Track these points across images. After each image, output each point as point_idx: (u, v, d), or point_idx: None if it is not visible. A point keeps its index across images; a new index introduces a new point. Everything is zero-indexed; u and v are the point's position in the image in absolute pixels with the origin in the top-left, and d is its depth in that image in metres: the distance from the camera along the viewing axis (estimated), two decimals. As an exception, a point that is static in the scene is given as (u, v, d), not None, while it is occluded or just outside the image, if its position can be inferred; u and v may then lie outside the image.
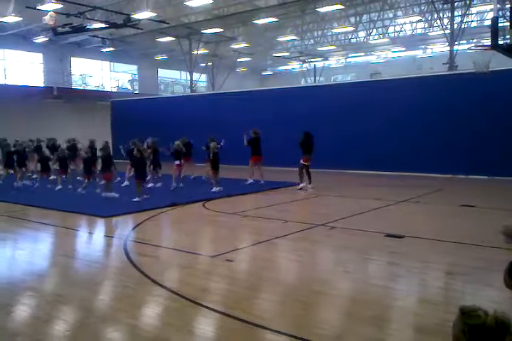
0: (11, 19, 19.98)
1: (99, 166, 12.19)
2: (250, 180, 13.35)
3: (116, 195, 11.13)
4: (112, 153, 12.38)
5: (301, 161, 12.44)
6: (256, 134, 13.38)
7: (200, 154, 13.86)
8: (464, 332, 1.53)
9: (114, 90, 31.53)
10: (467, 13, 21.95)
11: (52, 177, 13.79)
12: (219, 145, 12.39)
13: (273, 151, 14.46)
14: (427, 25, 28.41)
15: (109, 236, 8.00)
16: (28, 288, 5.03)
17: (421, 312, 4.23)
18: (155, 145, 12.87)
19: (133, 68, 33.34)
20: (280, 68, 42.00)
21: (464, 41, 25.34)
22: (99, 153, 12.75)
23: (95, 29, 20.41)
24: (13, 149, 14.23)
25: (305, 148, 12.40)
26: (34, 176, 14.75)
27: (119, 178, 13.44)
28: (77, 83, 30.24)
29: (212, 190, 11.92)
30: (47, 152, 15.51)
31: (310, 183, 12.51)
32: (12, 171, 13.98)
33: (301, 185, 12.54)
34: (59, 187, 12.62)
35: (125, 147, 13.07)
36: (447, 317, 3.48)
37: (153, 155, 12.72)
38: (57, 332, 3.95)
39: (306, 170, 12.53)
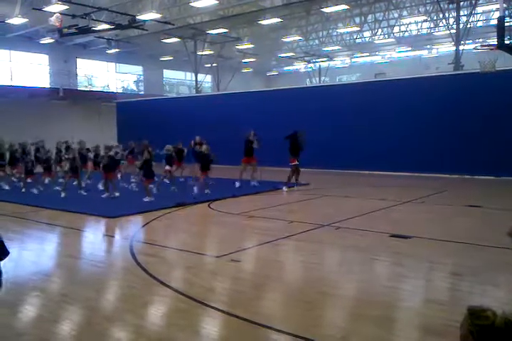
0: (17, 21, 20.10)
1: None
2: (252, 182, 13.39)
3: (117, 194, 11.38)
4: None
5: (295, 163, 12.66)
6: (247, 136, 13.47)
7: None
8: (472, 332, 1.52)
9: (120, 91, 31.62)
10: (473, 12, 21.84)
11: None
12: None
13: (280, 151, 14.46)
14: (432, 25, 28.32)
15: (114, 236, 8.02)
16: (35, 287, 5.05)
17: (427, 312, 4.21)
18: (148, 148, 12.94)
19: (138, 69, 33.42)
20: (285, 69, 41.99)
21: (470, 41, 25.23)
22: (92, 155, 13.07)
23: (101, 30, 20.43)
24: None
25: (291, 149, 12.64)
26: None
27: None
28: (82, 84, 30.36)
29: (194, 192, 11.75)
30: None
31: (286, 184, 12.66)
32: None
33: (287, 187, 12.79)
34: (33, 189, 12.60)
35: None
36: (454, 317, 3.45)
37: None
38: (63, 331, 3.96)
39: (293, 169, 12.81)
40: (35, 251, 6.94)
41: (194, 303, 4.42)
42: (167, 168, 12.50)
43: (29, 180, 12.96)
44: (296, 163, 12.70)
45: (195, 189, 11.89)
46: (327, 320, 4.18)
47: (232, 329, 3.94)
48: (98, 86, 31.26)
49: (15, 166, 14.18)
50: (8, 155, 14.15)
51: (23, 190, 12.73)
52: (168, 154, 12.58)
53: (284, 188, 12.49)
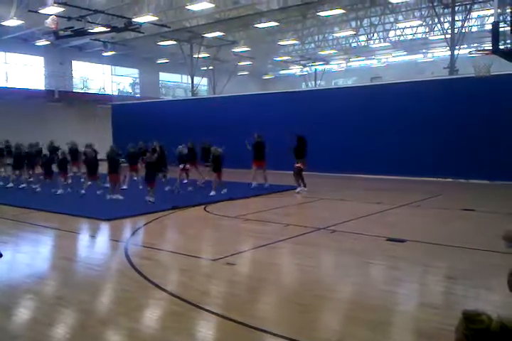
0: (13, 23, 20.09)
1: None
2: (254, 184, 13.30)
3: (121, 197, 11.37)
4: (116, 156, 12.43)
5: (297, 165, 12.49)
6: (259, 138, 13.36)
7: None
8: (467, 337, 1.52)
9: (116, 94, 31.57)
10: (468, 17, 21.96)
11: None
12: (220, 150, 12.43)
13: (276, 154, 14.50)
14: (427, 30, 28.49)
15: (110, 239, 8.00)
16: (29, 290, 5.02)
17: (422, 316, 4.22)
18: (161, 148, 13.13)
19: (134, 72, 33.40)
20: (281, 72, 42.07)
21: (465, 45, 25.36)
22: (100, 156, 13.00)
23: (97, 33, 20.43)
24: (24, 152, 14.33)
25: (299, 152, 12.47)
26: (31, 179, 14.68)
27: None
28: (78, 86, 30.30)
29: (210, 193, 11.91)
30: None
31: (305, 186, 12.64)
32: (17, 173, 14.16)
33: (299, 189, 12.64)
34: (60, 191, 12.58)
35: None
36: (448, 321, 3.46)
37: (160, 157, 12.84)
38: (58, 334, 3.94)
39: (300, 174, 12.67)
40: (30, 254, 6.90)
41: (189, 306, 4.41)
42: (180, 166, 12.62)
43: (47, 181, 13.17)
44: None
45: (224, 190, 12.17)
46: (322, 323, 4.18)
47: (228, 333, 3.93)
48: (94, 88, 31.20)
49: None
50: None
51: (38, 189, 12.95)
52: (178, 155, 12.79)
53: (305, 189, 12.60)
